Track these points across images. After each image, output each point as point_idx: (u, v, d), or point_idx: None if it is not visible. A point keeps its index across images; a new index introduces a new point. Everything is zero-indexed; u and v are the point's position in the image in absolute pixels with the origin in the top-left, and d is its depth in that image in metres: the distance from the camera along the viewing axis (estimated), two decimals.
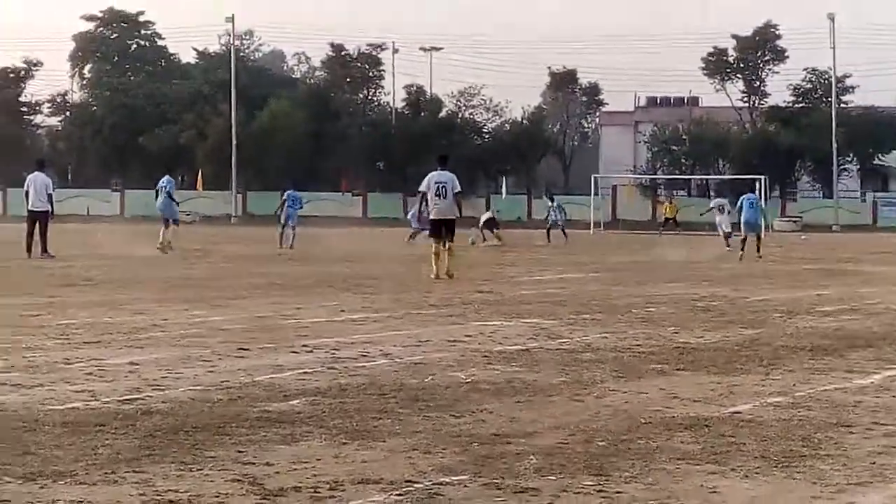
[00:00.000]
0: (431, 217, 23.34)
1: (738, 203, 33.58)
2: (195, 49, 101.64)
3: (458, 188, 23.24)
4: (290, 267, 26.80)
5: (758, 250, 32.51)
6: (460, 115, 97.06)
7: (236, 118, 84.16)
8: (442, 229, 22.93)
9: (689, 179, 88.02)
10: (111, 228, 45.40)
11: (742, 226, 33.19)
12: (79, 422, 7.94)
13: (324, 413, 8.38)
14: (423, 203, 23.60)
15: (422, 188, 23.64)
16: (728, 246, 37.04)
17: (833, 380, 10.19)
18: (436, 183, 23.02)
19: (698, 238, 46.70)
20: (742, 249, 32.27)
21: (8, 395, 8.95)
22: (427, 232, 24.92)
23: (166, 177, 34.38)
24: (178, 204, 35.11)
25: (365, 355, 11.47)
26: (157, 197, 33.91)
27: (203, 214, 71.52)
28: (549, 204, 47.44)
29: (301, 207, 38.63)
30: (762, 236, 34.35)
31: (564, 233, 45.25)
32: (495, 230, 42.39)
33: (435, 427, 7.94)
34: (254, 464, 6.78)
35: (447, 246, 22.83)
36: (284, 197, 38.28)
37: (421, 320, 14.99)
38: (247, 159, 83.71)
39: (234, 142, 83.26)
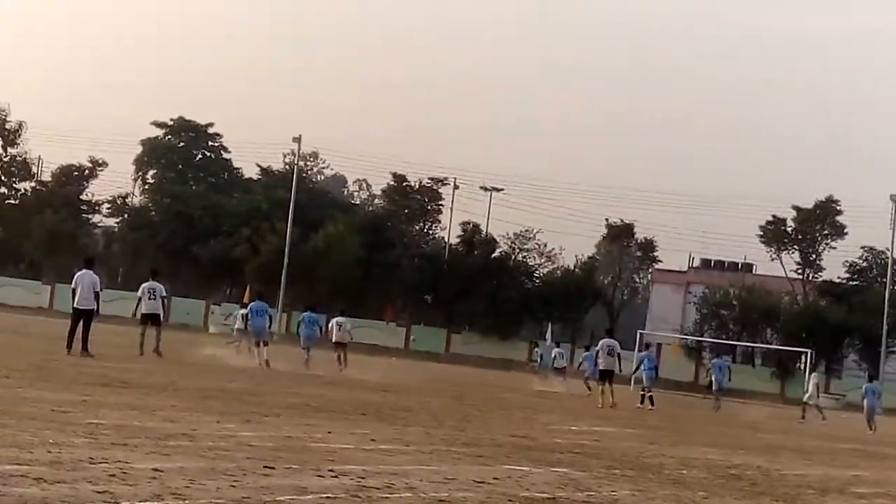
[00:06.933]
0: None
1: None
2: (259, 165, 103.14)
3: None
4: (326, 389, 26.72)
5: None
6: (513, 257, 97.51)
7: (291, 237, 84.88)
8: None
9: (736, 345, 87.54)
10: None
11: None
12: None
13: None
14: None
15: None
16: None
17: None
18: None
19: (738, 405, 46.11)
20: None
21: (28, 488, 8.85)
22: None
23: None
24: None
25: (390, 486, 11.35)
26: (248, 318, 35.87)
27: None
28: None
29: (313, 331, 38.35)
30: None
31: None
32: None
33: None
34: None
35: None
36: (300, 319, 39.31)
37: (451, 457, 14.83)
38: (296, 279, 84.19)
39: (285, 260, 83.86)
